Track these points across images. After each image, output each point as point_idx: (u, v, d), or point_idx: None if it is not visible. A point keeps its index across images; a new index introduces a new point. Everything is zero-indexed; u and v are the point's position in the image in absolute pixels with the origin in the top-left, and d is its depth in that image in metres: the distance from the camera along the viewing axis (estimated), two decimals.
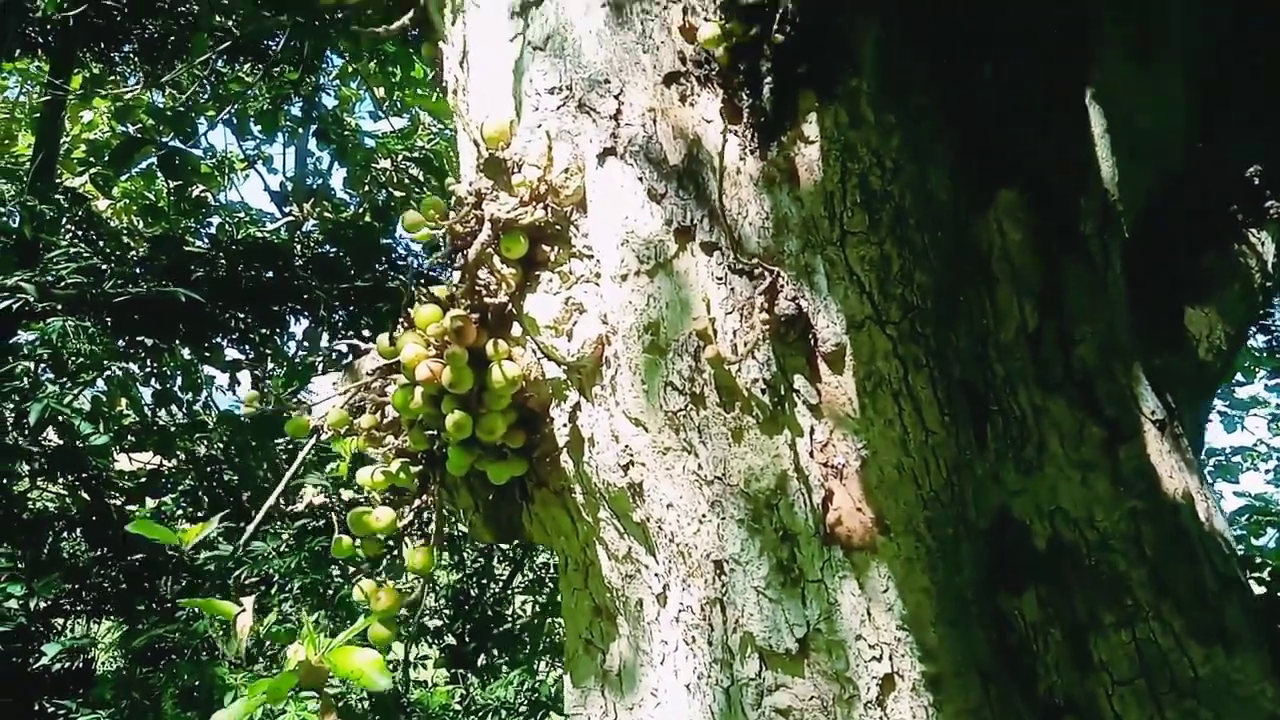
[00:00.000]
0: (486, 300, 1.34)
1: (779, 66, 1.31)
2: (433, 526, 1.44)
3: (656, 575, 1.35)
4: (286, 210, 7.69)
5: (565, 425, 1.38)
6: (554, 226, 1.34)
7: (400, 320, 1.43)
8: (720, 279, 1.27)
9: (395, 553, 1.47)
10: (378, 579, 1.37)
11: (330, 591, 5.08)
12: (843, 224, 1.29)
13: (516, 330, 1.38)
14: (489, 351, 1.35)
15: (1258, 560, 4.89)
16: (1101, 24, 1.53)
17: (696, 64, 1.35)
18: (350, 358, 1.64)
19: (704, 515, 1.28)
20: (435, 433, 1.45)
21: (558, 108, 1.36)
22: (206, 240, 7.22)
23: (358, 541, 1.49)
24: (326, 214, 7.98)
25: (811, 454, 1.26)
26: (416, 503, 1.50)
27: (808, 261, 1.29)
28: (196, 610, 5.11)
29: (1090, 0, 1.53)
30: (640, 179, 1.29)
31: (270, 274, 6.42)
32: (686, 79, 1.35)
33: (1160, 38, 1.53)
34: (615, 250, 1.29)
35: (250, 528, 1.48)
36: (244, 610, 1.37)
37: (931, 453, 1.27)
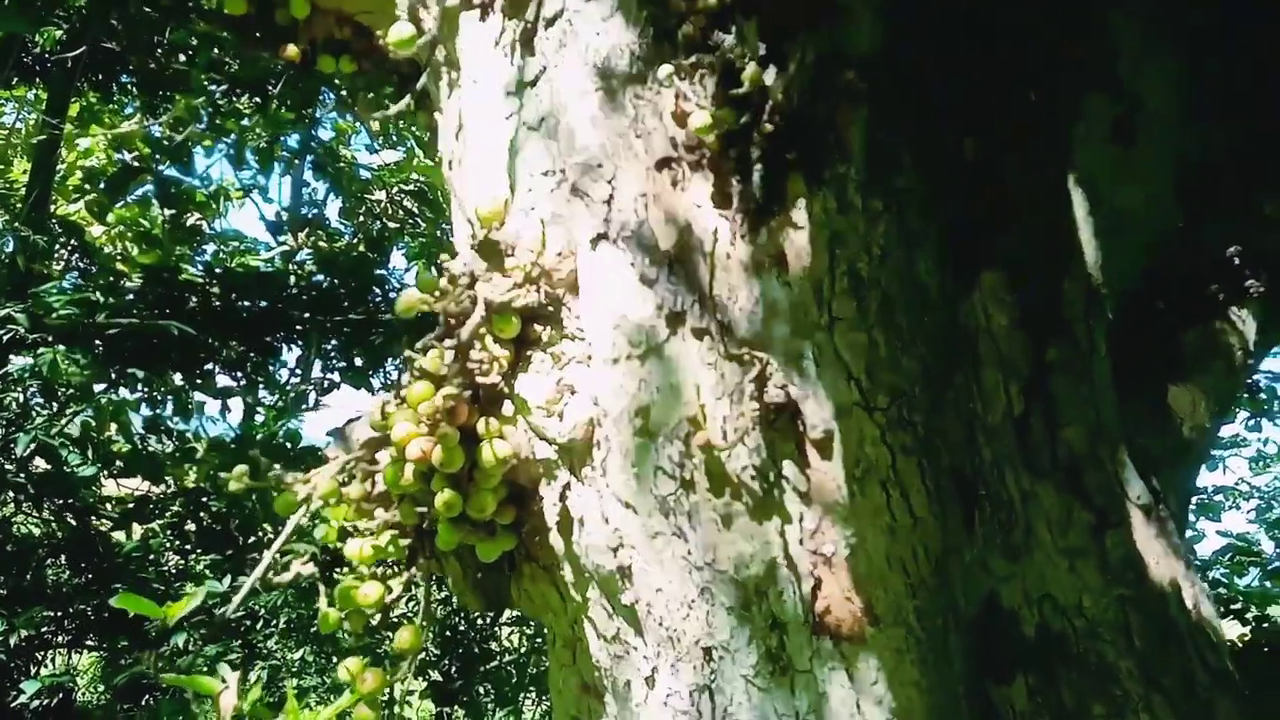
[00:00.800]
0: (479, 379, 1.35)
1: (768, 153, 1.33)
2: (423, 603, 1.44)
3: (645, 658, 1.34)
4: (281, 239, 7.70)
5: (555, 504, 1.38)
6: (547, 308, 1.35)
7: (393, 394, 1.43)
8: (711, 365, 1.28)
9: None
10: (363, 658, 1.36)
11: (315, 627, 5.05)
12: (831, 310, 1.31)
13: (508, 408, 1.38)
14: (480, 430, 1.35)
15: (1238, 605, 4.90)
16: (1081, 104, 1.56)
17: (688, 149, 1.37)
18: (342, 424, 1.64)
19: (693, 601, 1.28)
20: (425, 508, 1.45)
21: (551, 191, 1.38)
22: (201, 268, 7.23)
23: (344, 615, 1.48)
24: (321, 243, 8.00)
25: (801, 541, 1.26)
26: (405, 576, 1.50)
27: (796, 347, 1.30)
28: (180, 646, 5.05)
29: (1070, 81, 1.56)
30: (632, 264, 1.31)
31: (264, 303, 6.42)
32: (678, 164, 1.37)
33: (1142, 119, 1.56)
34: (607, 334, 1.30)
35: (236, 599, 1.47)
36: (227, 687, 1.36)
37: (920, 541, 1.28)
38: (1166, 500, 1.47)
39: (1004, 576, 1.34)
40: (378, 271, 6.91)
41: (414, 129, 7.33)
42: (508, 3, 1.52)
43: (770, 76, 1.35)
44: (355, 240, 7.68)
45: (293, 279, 6.78)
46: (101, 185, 7.29)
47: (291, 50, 1.73)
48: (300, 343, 6.63)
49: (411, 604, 1.99)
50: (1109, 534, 1.34)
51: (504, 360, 1.34)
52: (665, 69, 1.37)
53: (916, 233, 1.40)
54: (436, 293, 1.35)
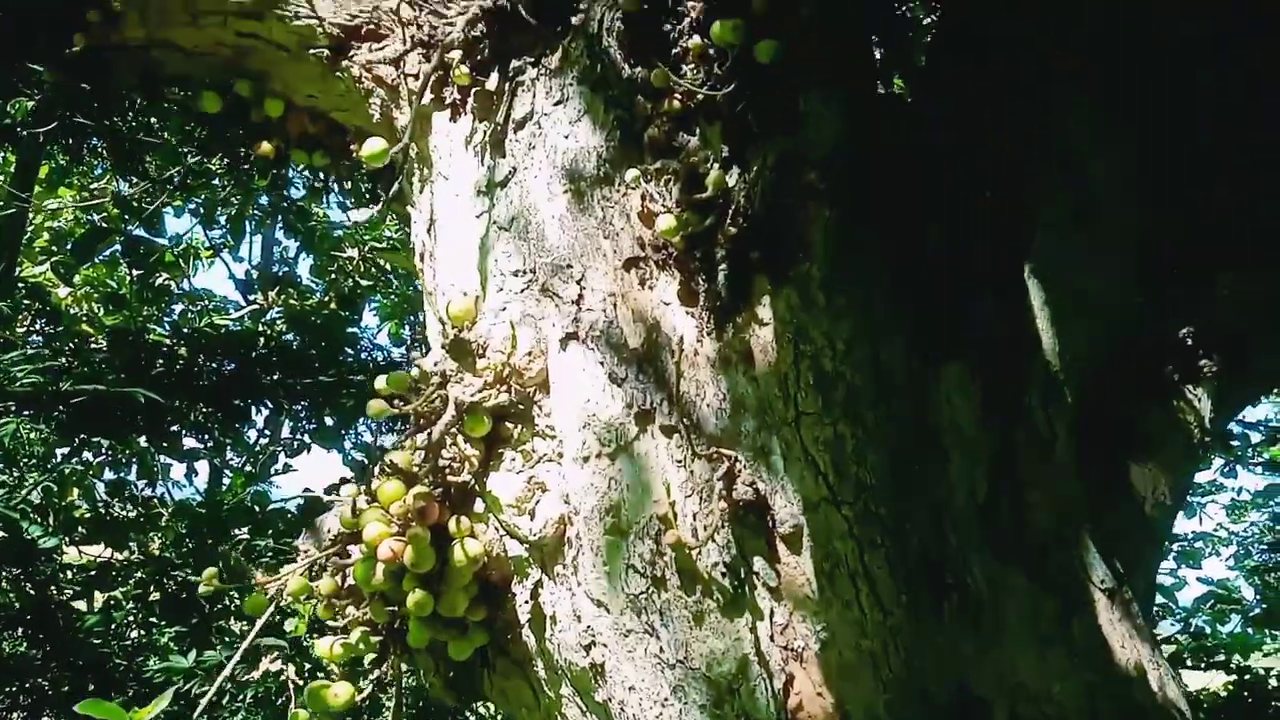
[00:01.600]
0: (450, 478, 1.36)
1: (733, 253, 1.37)
2: (394, 703, 1.42)
3: None
4: (251, 298, 7.66)
5: (527, 602, 1.38)
6: (517, 406, 1.37)
7: (364, 492, 1.43)
8: (680, 462, 1.30)
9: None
10: None
11: (282, 701, 4.91)
12: (797, 405, 1.34)
13: (479, 506, 1.39)
14: (452, 528, 1.35)
15: (1221, 656, 4.93)
16: (1039, 194, 1.62)
17: (655, 249, 1.40)
18: (313, 512, 1.63)
19: (666, 699, 1.28)
20: (396, 606, 1.44)
21: (521, 290, 1.40)
22: (168, 328, 7.15)
23: (314, 715, 1.46)
24: (292, 301, 7.96)
25: (772, 637, 1.27)
26: (375, 674, 1.48)
27: (764, 442, 1.32)
28: None
29: (1029, 172, 1.62)
30: (601, 363, 1.33)
31: (232, 365, 6.36)
32: (646, 263, 1.40)
33: (1098, 205, 1.62)
34: (577, 433, 1.32)
35: (203, 703, 1.44)
36: None
37: (890, 633, 1.29)
38: (1131, 580, 1.49)
39: (975, 664, 1.35)
40: (349, 330, 6.88)
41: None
42: (478, 104, 1.56)
43: (733, 178, 1.40)
44: (327, 298, 7.66)
45: (262, 339, 6.73)
46: (69, 247, 7.23)
47: (266, 148, 1.76)
48: (269, 404, 6.56)
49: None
50: (1075, 620, 1.37)
51: (475, 459, 1.34)
52: (632, 173, 1.41)
53: (880, 324, 1.43)
54: (408, 394, 1.36)
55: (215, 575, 1.42)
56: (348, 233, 7.53)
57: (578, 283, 1.38)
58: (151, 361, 6.03)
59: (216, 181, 7.20)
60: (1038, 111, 1.62)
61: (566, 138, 1.47)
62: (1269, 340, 1.72)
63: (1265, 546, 8.66)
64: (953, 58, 1.72)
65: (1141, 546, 1.63)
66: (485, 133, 1.54)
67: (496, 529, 1.37)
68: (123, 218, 7.29)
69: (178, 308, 7.88)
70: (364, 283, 7.52)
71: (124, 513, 6.25)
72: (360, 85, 1.65)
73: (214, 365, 6.39)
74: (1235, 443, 6.84)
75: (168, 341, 6.56)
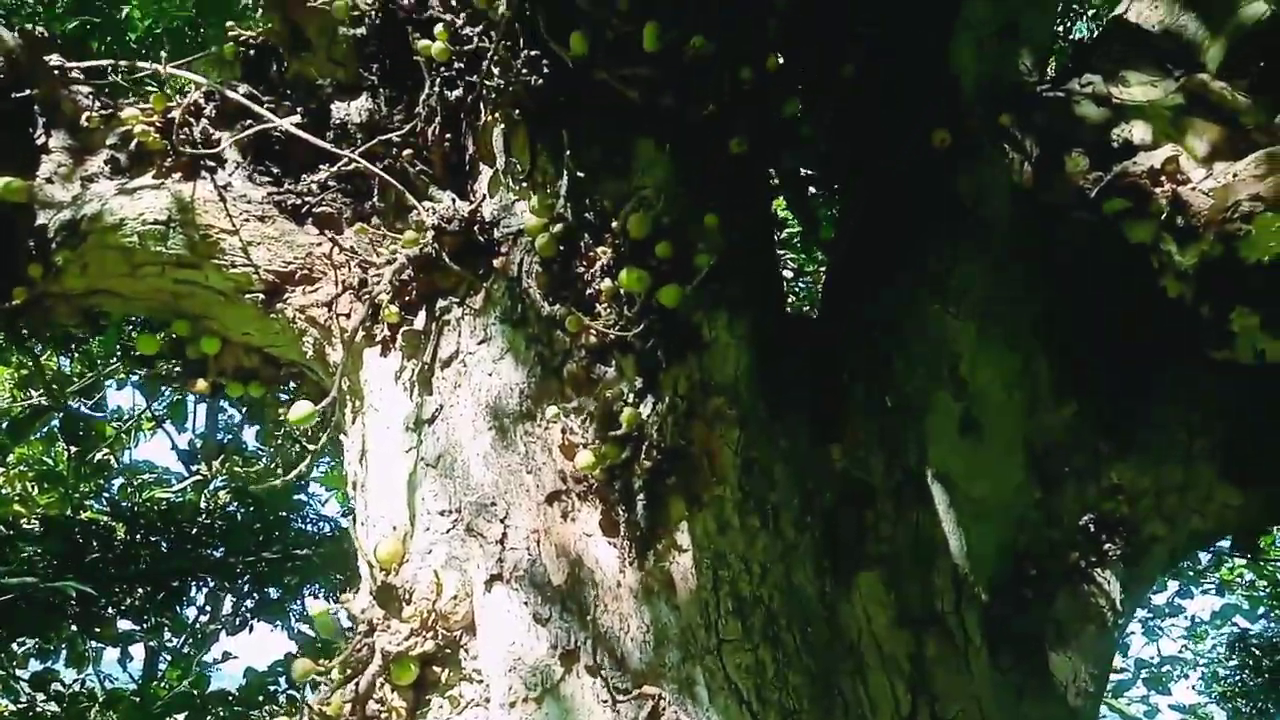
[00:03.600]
0: None
1: (649, 483, 1.44)
2: None
3: None
4: (194, 468, 7.51)
5: None
6: (444, 650, 1.38)
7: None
8: (605, 702, 1.32)
9: None
10: None
11: None
12: (719, 632, 1.38)
13: None
14: None
15: None
16: (930, 402, 1.72)
17: (576, 480, 1.47)
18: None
19: None
20: None
21: (447, 530, 1.45)
22: (106, 504, 6.96)
23: None
24: (237, 469, 7.83)
25: None
26: None
27: (688, 673, 1.35)
28: None
29: (919, 387, 1.73)
30: (525, 603, 1.36)
31: (171, 543, 6.18)
32: (568, 495, 1.46)
33: (985, 412, 1.74)
34: (503, 677, 1.33)
35: None
36: None
37: None
38: None
39: None
40: (296, 497, 6.76)
41: None
42: (406, 342, 1.64)
43: (647, 408, 1.49)
44: (274, 465, 7.54)
45: (204, 512, 6.57)
46: (5, 426, 7.08)
47: (201, 385, 1.82)
48: (210, 580, 6.34)
49: None
50: None
51: (402, 710, 1.35)
52: (551, 410, 1.50)
53: (793, 543, 1.50)
54: (336, 639, 1.37)
55: None
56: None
57: (501, 521, 1.43)
58: (86, 545, 5.84)
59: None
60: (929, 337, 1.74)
61: (490, 375, 1.55)
62: (1162, 527, 1.82)
63: (1233, 666, 8.66)
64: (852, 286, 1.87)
65: None
66: (414, 370, 1.62)
67: None
68: (62, 392, 7.20)
69: (117, 482, 7.69)
70: (310, 447, 7.45)
71: (50, 708, 5.88)
72: (294, 325, 1.74)
73: (153, 540, 6.20)
74: (1186, 565, 6.96)
75: (104, 519, 6.37)
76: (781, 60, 1.74)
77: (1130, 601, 1.85)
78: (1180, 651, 8.76)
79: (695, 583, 1.41)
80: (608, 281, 1.55)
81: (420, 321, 1.66)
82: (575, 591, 1.38)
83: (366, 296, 1.67)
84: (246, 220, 1.74)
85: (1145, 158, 1.80)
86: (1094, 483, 1.81)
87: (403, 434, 1.59)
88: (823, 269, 3.81)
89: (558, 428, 1.50)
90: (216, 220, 1.73)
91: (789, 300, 4.67)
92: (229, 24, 1.94)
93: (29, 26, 2.01)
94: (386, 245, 1.71)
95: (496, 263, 1.64)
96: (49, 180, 1.80)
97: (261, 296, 1.74)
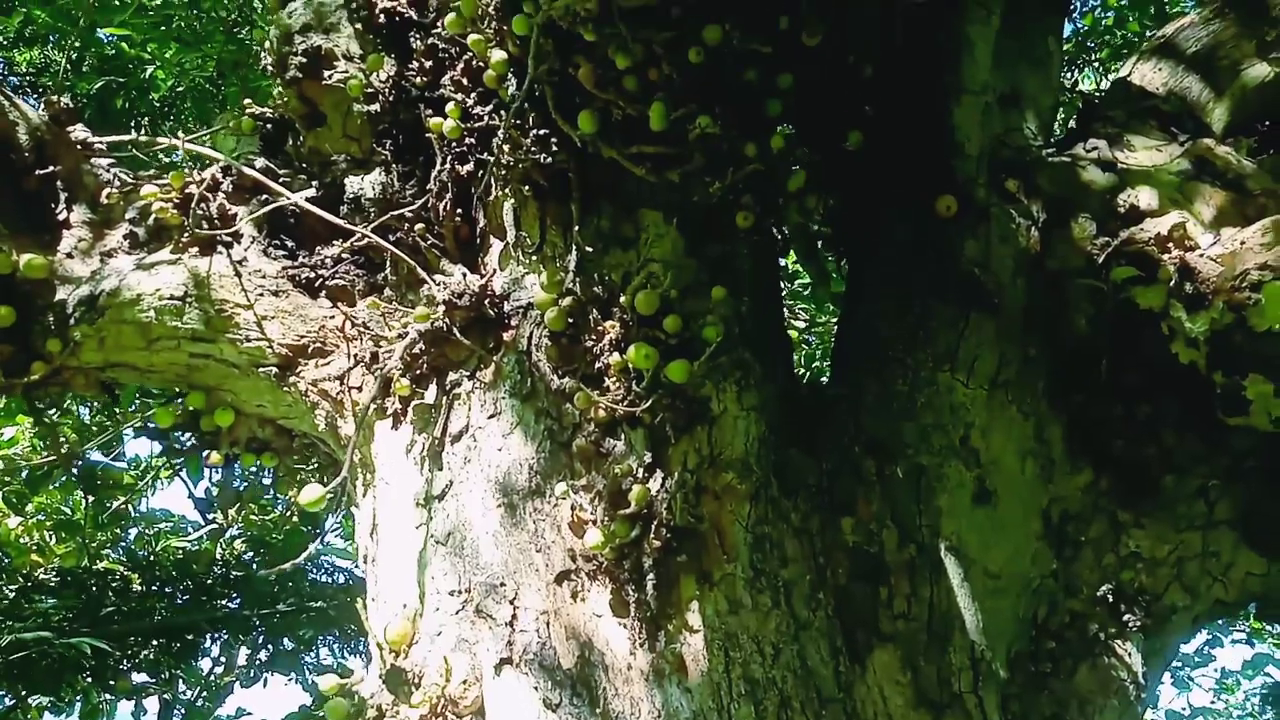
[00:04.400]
0: None
1: (659, 562, 1.43)
2: None
3: None
4: (210, 517, 7.53)
5: None
6: None
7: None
8: None
9: None
10: None
11: None
12: (731, 716, 1.36)
13: None
14: None
15: None
16: (944, 476, 1.70)
17: (585, 559, 1.46)
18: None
19: None
20: None
21: (457, 611, 1.44)
22: (123, 553, 6.98)
23: None
24: (253, 517, 7.84)
25: None
26: None
27: None
28: None
29: (932, 458, 1.71)
30: (535, 688, 1.35)
31: (187, 595, 6.18)
32: (577, 575, 1.46)
33: (999, 481, 1.72)
34: None
35: None
36: None
37: None
38: None
39: None
40: (312, 546, 6.75)
41: None
42: (417, 416, 1.66)
43: (656, 484, 1.49)
44: (289, 514, 7.55)
45: (220, 562, 6.57)
46: (24, 476, 7.14)
47: (215, 458, 1.83)
48: (224, 632, 6.32)
49: None
50: None
51: None
52: (561, 487, 1.50)
53: (806, 622, 1.48)
54: None
55: None
56: None
57: (511, 601, 1.42)
58: (102, 597, 5.85)
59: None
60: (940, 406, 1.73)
61: (500, 450, 1.56)
62: (1183, 596, 1.79)
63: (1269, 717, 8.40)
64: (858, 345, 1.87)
65: None
66: (424, 445, 1.62)
67: None
68: (80, 443, 7.26)
69: (133, 531, 7.71)
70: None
71: None
72: (307, 398, 1.75)
73: (168, 592, 6.21)
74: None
75: (121, 569, 6.39)
76: (790, 130, 1.77)
77: (1154, 673, 1.81)
78: (1212, 703, 8.53)
79: (707, 665, 1.39)
80: (616, 355, 1.56)
81: (431, 395, 1.67)
82: (586, 675, 1.37)
83: (378, 371, 1.69)
84: (261, 295, 1.76)
85: (1152, 224, 1.80)
86: (1112, 551, 1.78)
87: (413, 509, 1.59)
88: (834, 320, 3.82)
89: (567, 504, 1.50)
90: (232, 295, 1.76)
91: (801, 349, 4.66)
92: (246, 101, 1.99)
93: (55, 97, 2.06)
94: (398, 319, 1.73)
95: (506, 336, 1.65)
96: (69, 255, 1.83)
97: (275, 370, 1.76)
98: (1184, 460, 1.83)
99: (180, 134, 2.00)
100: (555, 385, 1.59)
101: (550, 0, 1.47)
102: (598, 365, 1.58)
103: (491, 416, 1.60)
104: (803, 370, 4.86)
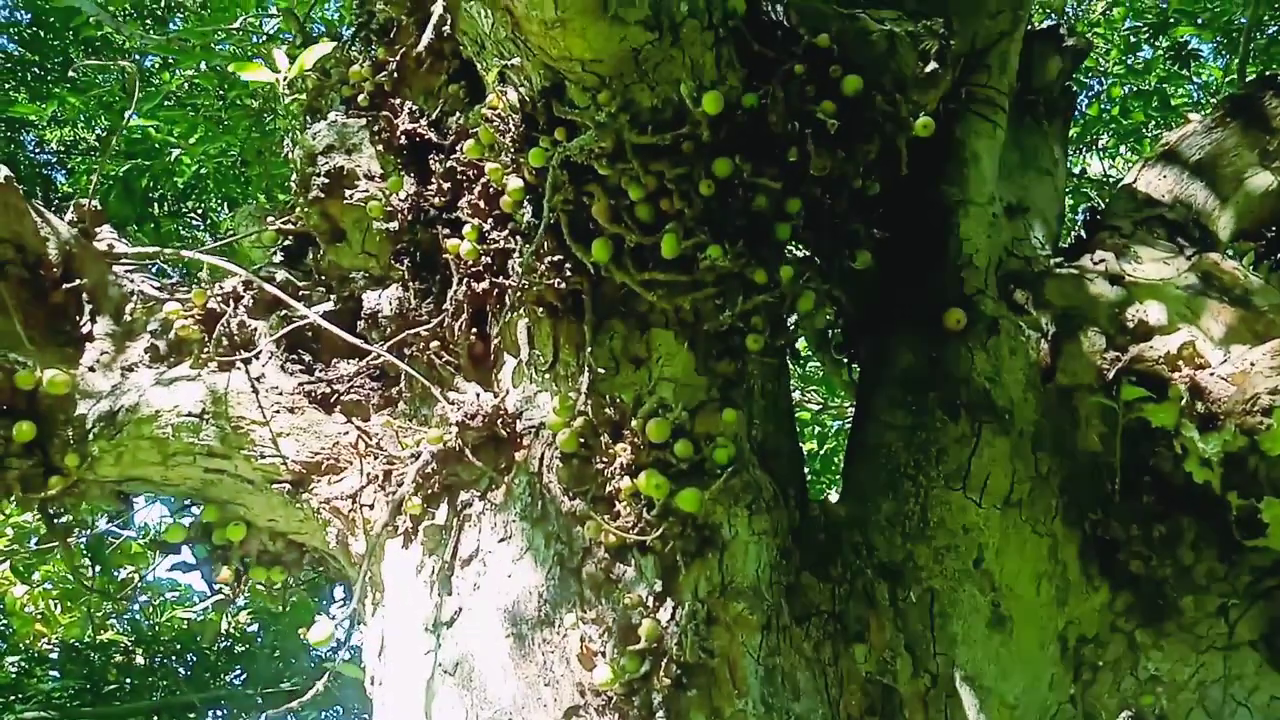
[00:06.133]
0: None
1: (670, 698, 1.41)
2: None
3: None
4: (217, 587, 7.47)
5: None
6: None
7: None
8: None
9: None
10: None
11: None
12: None
13: None
14: None
15: None
16: (958, 601, 1.69)
17: (594, 694, 1.45)
18: None
19: None
20: None
21: None
22: (127, 623, 6.93)
23: None
24: (259, 585, 7.78)
25: None
26: None
27: None
28: None
29: (945, 582, 1.70)
30: None
31: (190, 669, 6.11)
32: (585, 710, 1.44)
33: (1014, 606, 1.70)
34: None
35: None
36: None
37: None
38: None
39: None
40: (318, 618, 6.69)
41: None
42: (428, 537, 1.66)
43: (666, 614, 1.48)
44: (295, 584, 7.51)
45: (225, 635, 6.51)
46: (32, 544, 7.13)
47: (225, 574, 1.84)
48: (225, 709, 6.23)
49: None
50: None
51: None
52: (570, 618, 1.49)
53: None
54: None
55: None
56: None
57: None
58: (105, 673, 5.79)
59: None
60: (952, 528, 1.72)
61: (509, 577, 1.55)
62: None
63: None
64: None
65: None
66: (434, 568, 1.62)
67: None
68: (89, 511, 7.26)
69: (139, 598, 7.66)
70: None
71: None
72: (319, 515, 1.76)
73: (172, 666, 6.14)
74: None
75: (125, 641, 6.34)
76: (799, 252, 1.80)
77: None
78: None
79: None
80: (627, 480, 1.57)
81: (442, 515, 1.67)
82: None
83: (390, 491, 1.69)
84: (277, 412, 1.79)
85: (1161, 341, 1.81)
86: (1131, 674, 1.74)
87: (421, 635, 1.58)
88: (848, 405, 3.82)
89: (576, 635, 1.49)
90: (248, 412, 1.78)
91: (811, 437, 4.65)
92: (269, 219, 2.05)
93: (83, 200, 2.12)
94: (411, 437, 1.74)
95: (518, 455, 1.66)
96: (91, 369, 1.86)
97: (288, 486, 1.77)
98: (1202, 578, 1.80)
99: (206, 233, 2.04)
100: (566, 508, 1.60)
101: (567, 138, 1.51)
102: (609, 489, 1.59)
103: (502, 540, 1.60)
104: (816, 448, 4.85)
